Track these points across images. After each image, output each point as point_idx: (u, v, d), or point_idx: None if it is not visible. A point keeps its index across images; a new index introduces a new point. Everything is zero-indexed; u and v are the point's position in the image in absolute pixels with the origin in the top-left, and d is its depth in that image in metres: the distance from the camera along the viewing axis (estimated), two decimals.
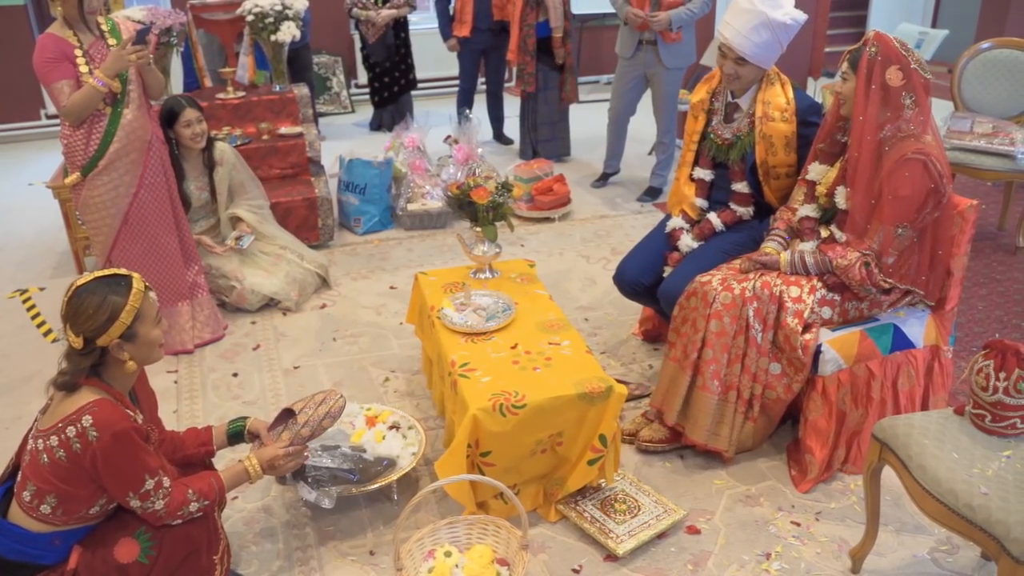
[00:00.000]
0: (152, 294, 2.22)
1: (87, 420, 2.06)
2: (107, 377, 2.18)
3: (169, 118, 4.06)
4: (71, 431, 2.06)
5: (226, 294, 4.26)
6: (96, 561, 2.18)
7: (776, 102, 3.21)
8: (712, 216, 3.42)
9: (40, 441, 2.11)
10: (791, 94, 3.22)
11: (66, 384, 2.11)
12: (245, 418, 2.65)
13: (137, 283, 2.17)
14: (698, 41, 5.84)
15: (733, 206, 3.41)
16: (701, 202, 3.47)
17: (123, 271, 2.21)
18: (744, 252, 3.21)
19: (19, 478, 2.19)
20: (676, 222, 3.49)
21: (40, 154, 7.28)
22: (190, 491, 2.23)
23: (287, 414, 2.64)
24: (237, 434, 2.62)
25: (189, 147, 4.18)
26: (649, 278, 3.44)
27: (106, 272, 2.19)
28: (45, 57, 3.40)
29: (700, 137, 3.43)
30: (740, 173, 3.33)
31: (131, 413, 2.19)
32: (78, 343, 2.11)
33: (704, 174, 3.44)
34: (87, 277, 2.16)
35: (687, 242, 3.41)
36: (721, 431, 3.00)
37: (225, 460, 3.02)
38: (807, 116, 3.20)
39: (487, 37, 6.57)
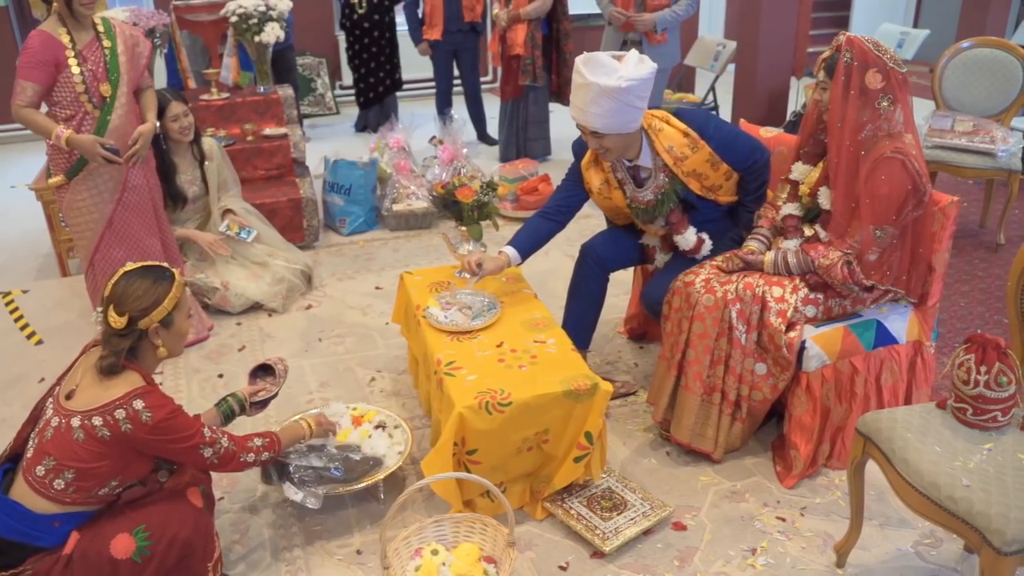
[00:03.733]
0: (189, 289, 2.36)
1: (139, 403, 2.17)
2: (141, 360, 2.30)
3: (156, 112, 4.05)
4: (120, 413, 2.15)
5: (208, 296, 4.24)
6: (91, 551, 2.19)
7: (677, 141, 3.07)
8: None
9: (76, 419, 2.16)
10: (681, 124, 3.08)
11: (112, 366, 2.21)
12: (231, 395, 2.76)
13: (179, 276, 2.34)
14: (683, 42, 5.86)
15: (691, 255, 3.30)
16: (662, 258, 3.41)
17: (166, 264, 2.36)
18: (722, 250, 3.21)
19: (31, 455, 2.22)
20: (650, 240, 3.42)
21: (23, 156, 7.24)
22: (256, 439, 2.49)
23: (262, 369, 2.89)
24: (230, 414, 2.72)
25: (178, 140, 4.18)
26: (615, 263, 3.42)
27: (153, 263, 2.35)
28: (33, 57, 3.35)
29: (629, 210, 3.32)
30: (682, 223, 3.24)
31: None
32: (121, 323, 2.22)
33: (654, 241, 3.37)
34: (135, 265, 2.32)
35: (661, 258, 3.39)
36: (706, 432, 3.01)
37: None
38: (707, 128, 3.09)
39: (458, 38, 6.59)
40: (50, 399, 2.32)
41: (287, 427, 2.72)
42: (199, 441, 2.30)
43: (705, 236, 3.28)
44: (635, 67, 2.89)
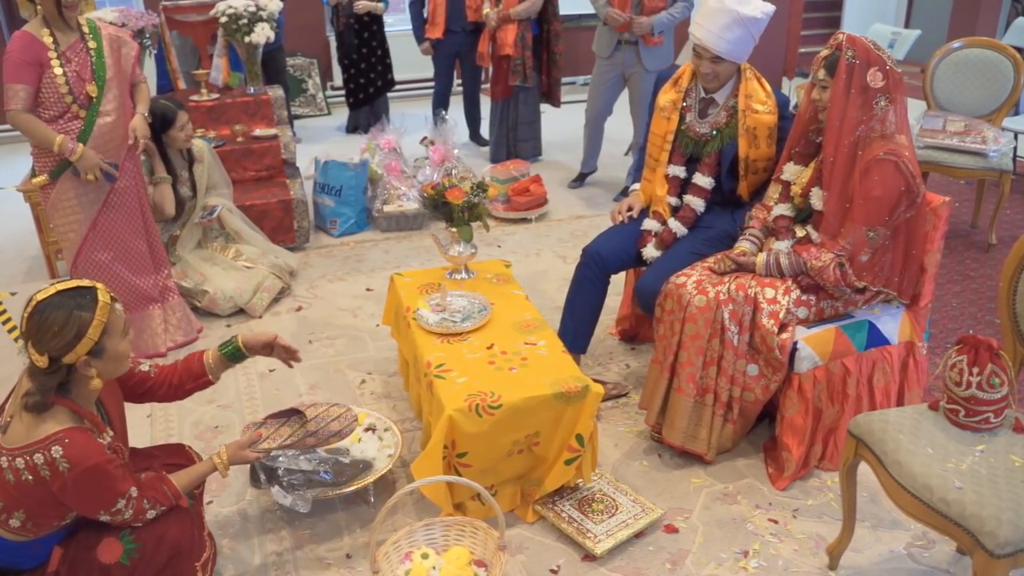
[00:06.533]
0: (118, 305, 2.13)
1: (57, 451, 1.98)
2: (74, 394, 2.10)
3: (163, 124, 4.05)
4: (39, 458, 1.99)
5: (197, 299, 4.22)
6: (79, 561, 2.15)
7: (757, 95, 3.25)
8: (672, 222, 3.39)
9: (4, 459, 2.02)
10: (769, 87, 3.29)
11: (37, 405, 2.02)
12: (234, 337, 2.56)
13: (103, 295, 2.06)
14: (676, 43, 5.86)
15: (688, 198, 3.40)
16: (674, 200, 3.44)
17: (86, 282, 2.10)
18: (716, 248, 3.21)
19: None
20: (652, 225, 3.44)
21: (10, 157, 7.19)
22: (145, 501, 2.19)
23: (294, 412, 2.66)
24: (234, 355, 2.54)
25: (178, 147, 4.19)
26: (616, 263, 3.43)
27: (69, 284, 2.07)
28: (16, 60, 3.34)
29: (673, 136, 3.41)
30: (710, 166, 3.34)
31: (101, 439, 2.12)
32: (43, 362, 2.00)
33: (680, 171, 3.42)
34: (48, 291, 2.04)
35: (650, 252, 3.38)
36: (699, 434, 3.00)
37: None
38: (784, 111, 3.28)
39: (461, 39, 6.55)
40: None
41: (190, 472, 2.38)
42: (112, 505, 2.09)
43: (699, 208, 3.39)
44: (764, 3, 3.16)
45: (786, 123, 3.23)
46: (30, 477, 2.01)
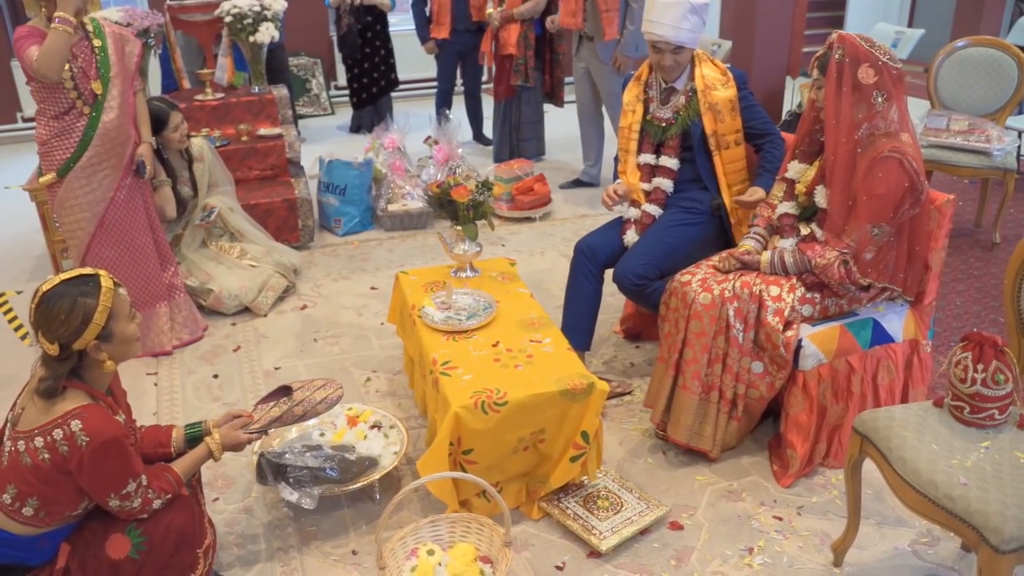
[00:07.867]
0: (122, 290, 2.18)
1: (76, 424, 2.03)
2: (87, 378, 2.15)
3: (157, 125, 4.04)
4: (58, 433, 2.03)
5: (203, 298, 4.23)
6: (88, 559, 2.16)
7: (713, 75, 3.42)
8: (647, 206, 3.50)
9: (22, 442, 2.07)
10: (723, 66, 3.46)
11: (49, 389, 2.07)
12: (201, 422, 2.54)
13: (105, 281, 2.12)
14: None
15: (657, 180, 3.51)
16: (647, 186, 3.54)
17: (89, 270, 2.16)
18: (687, 217, 3.41)
19: None
20: (631, 213, 3.53)
21: (16, 157, 7.22)
22: (151, 491, 2.20)
23: (283, 390, 2.66)
24: (196, 439, 2.50)
25: (175, 148, 4.19)
26: (605, 253, 3.49)
27: (72, 273, 2.13)
28: (25, 35, 3.34)
29: (639, 127, 3.55)
30: (674, 148, 3.49)
31: (118, 417, 2.17)
32: (54, 350, 2.06)
33: (650, 159, 3.54)
34: (52, 281, 2.11)
35: (630, 237, 3.47)
36: (704, 431, 3.00)
37: None
38: (741, 84, 3.44)
39: (465, 38, 6.56)
40: (9, 417, 2.19)
41: (188, 458, 2.39)
42: (123, 487, 2.10)
43: (668, 188, 3.50)
44: None
45: (744, 94, 3.41)
46: (47, 456, 2.04)
